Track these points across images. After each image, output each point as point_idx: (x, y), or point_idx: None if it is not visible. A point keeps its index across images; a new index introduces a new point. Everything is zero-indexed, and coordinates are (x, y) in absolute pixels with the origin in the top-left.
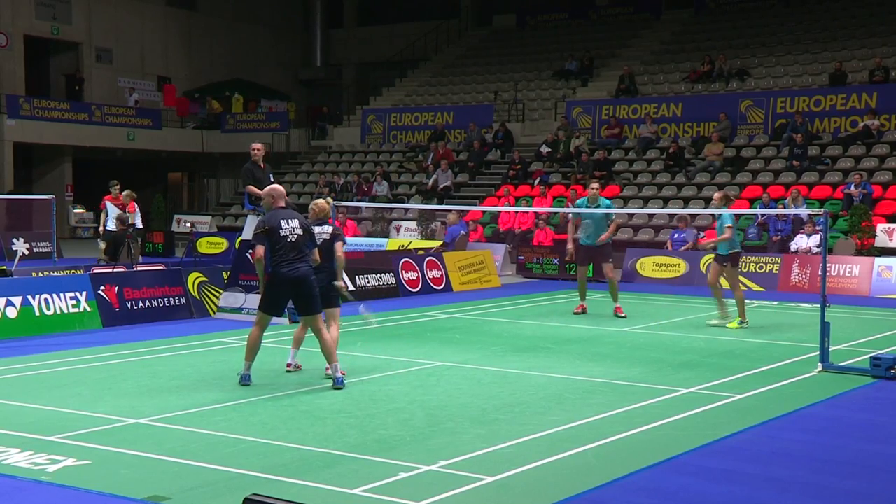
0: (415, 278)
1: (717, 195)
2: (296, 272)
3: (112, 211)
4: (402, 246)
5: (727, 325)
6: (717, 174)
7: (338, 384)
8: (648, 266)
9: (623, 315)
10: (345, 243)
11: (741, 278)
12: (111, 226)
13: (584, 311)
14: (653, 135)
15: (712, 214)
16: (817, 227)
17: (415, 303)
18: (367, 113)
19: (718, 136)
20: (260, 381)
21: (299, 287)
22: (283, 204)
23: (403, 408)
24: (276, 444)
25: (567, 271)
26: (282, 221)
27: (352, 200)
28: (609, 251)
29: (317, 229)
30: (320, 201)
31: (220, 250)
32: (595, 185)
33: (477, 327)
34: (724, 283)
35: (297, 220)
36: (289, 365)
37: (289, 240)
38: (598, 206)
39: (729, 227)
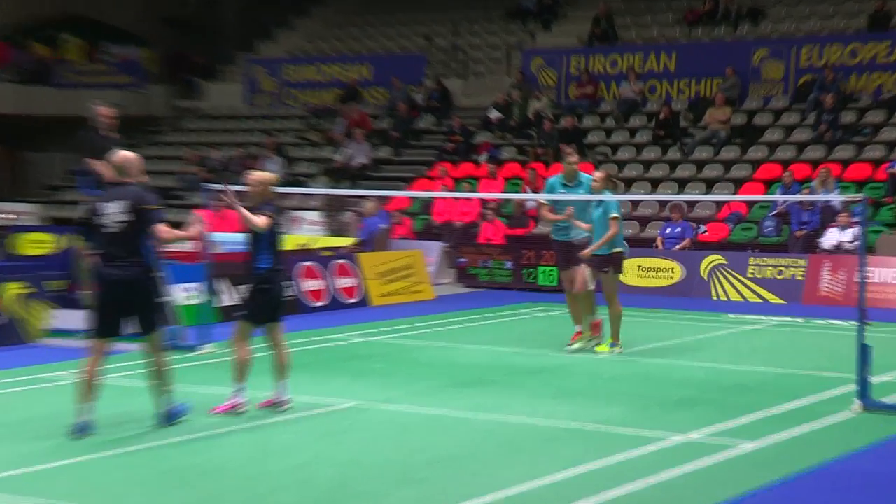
0: (319, 289)
1: (597, 175)
2: (115, 274)
3: None
4: (302, 245)
5: (595, 349)
6: (723, 148)
7: (166, 413)
8: (632, 270)
9: (595, 334)
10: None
11: (754, 284)
12: None
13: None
14: (637, 95)
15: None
16: (853, 219)
17: (319, 322)
18: (253, 64)
19: (724, 98)
20: (107, 431)
21: (124, 294)
22: (120, 179)
23: (304, 464)
24: None
25: (524, 278)
26: (100, 206)
27: (232, 182)
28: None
29: None
30: (262, 174)
31: (49, 251)
32: (573, 159)
33: (403, 354)
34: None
35: (124, 201)
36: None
37: (109, 230)
38: (578, 186)
39: (615, 217)
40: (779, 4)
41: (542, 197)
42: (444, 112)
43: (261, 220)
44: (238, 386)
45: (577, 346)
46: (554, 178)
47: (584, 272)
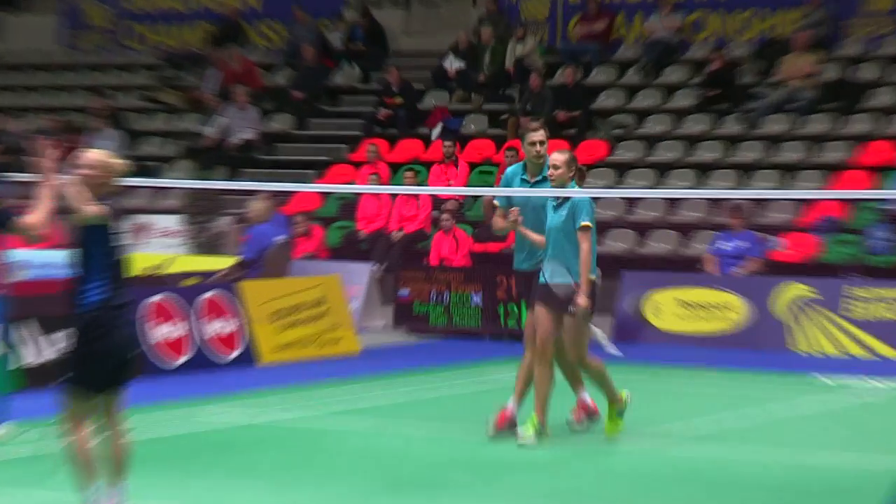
0: (178, 337)
1: (557, 157)
2: None
3: None
4: (153, 269)
5: (606, 430)
6: (808, 119)
7: None
8: (668, 307)
9: (590, 416)
10: None
11: (857, 329)
12: None
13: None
14: (674, 36)
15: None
16: None
17: (177, 389)
18: None
19: (808, 40)
20: None
21: None
22: None
23: None
24: None
25: (500, 319)
26: None
27: (38, 170)
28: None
29: None
30: (102, 155)
31: None
32: (538, 136)
33: (310, 441)
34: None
35: None
36: None
37: None
38: (545, 181)
39: (586, 226)
40: None
41: (512, 191)
42: (376, 61)
43: (92, 208)
44: (91, 489)
45: (529, 433)
46: (513, 169)
47: (549, 317)
